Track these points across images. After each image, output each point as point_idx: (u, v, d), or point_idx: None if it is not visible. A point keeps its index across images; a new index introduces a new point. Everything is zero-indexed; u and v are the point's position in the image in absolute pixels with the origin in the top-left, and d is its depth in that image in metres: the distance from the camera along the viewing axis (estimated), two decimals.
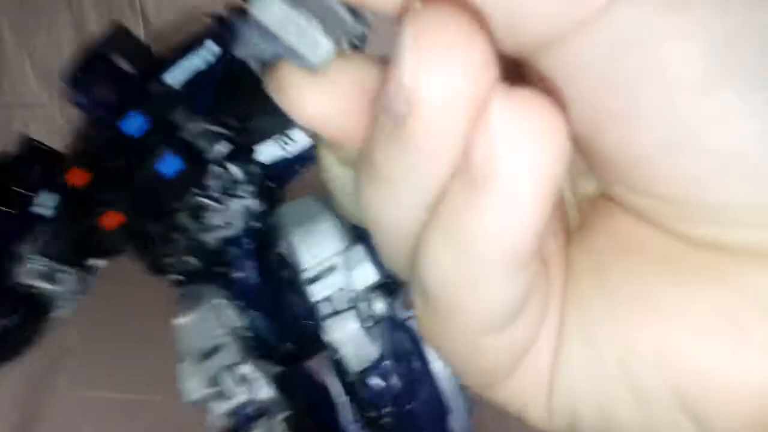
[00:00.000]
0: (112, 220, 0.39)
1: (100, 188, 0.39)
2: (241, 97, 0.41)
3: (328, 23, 0.19)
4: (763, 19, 0.17)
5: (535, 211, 0.16)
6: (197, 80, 0.39)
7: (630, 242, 0.20)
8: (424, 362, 0.40)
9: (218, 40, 0.41)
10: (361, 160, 0.19)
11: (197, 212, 0.40)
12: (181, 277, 0.42)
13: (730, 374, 0.17)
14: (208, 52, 0.40)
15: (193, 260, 0.41)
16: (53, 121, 0.83)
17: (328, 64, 0.18)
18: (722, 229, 0.18)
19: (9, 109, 0.85)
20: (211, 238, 0.41)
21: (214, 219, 0.40)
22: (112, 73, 0.43)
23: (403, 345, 0.40)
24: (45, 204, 0.42)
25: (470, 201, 0.16)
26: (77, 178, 0.39)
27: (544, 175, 0.16)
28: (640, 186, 0.18)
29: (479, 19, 0.17)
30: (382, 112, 0.17)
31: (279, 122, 0.42)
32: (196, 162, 0.38)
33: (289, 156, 0.44)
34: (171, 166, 0.38)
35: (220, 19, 0.44)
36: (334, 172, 0.21)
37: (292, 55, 0.19)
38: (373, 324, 0.41)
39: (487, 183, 0.16)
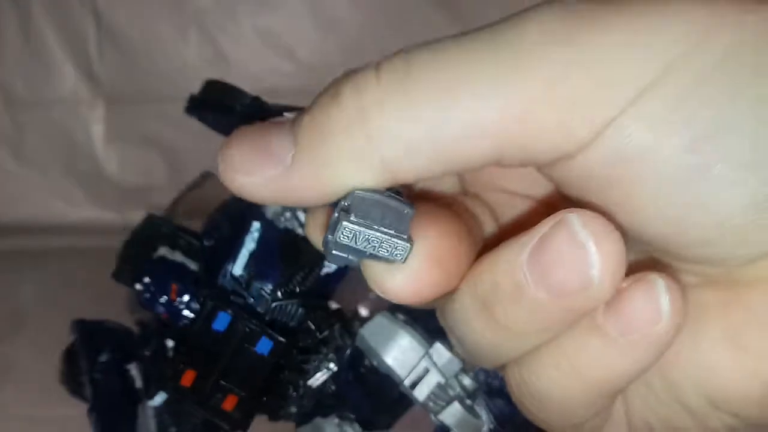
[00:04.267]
0: (231, 402, 0.45)
1: (210, 379, 0.45)
2: (292, 251, 0.46)
3: (396, 223, 0.23)
4: (747, 104, 0.20)
5: (647, 363, 0.22)
6: (259, 260, 0.45)
7: None
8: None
9: (254, 216, 0.46)
10: (462, 307, 0.23)
11: (300, 368, 0.46)
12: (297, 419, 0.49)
13: (739, 380, 0.22)
14: (255, 231, 0.45)
15: (307, 403, 0.47)
16: None
17: (409, 255, 0.23)
18: (729, 269, 0.22)
19: None
20: (315, 382, 0.47)
21: (317, 367, 0.46)
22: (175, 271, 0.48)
23: (504, 409, 0.47)
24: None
25: (597, 345, 0.21)
26: (188, 378, 0.45)
27: (663, 342, 0.21)
28: (656, 250, 0.23)
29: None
30: (531, 285, 0.21)
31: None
32: (285, 336, 0.43)
33: (330, 272, 0.49)
34: (265, 347, 0.44)
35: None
36: None
37: (377, 259, 0.23)
38: (468, 398, 0.47)
39: (624, 339, 0.21)
